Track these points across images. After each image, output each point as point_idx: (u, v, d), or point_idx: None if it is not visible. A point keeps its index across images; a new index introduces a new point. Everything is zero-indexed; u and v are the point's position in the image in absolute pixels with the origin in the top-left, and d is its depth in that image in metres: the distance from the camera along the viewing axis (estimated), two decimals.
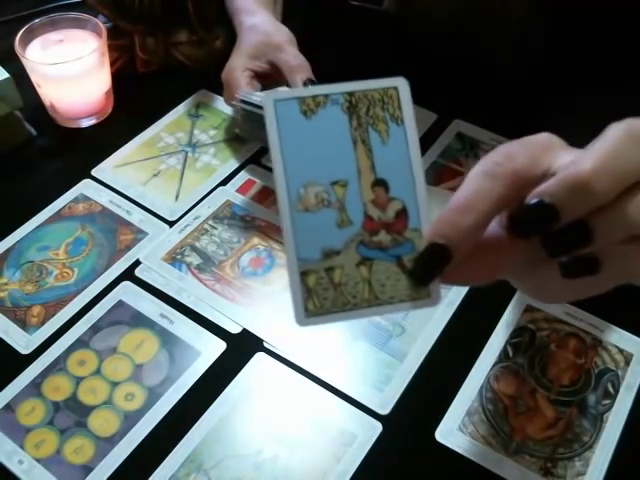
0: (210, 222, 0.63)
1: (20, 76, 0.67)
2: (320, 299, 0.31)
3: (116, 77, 0.73)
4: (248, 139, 0.69)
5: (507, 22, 0.71)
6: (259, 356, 0.54)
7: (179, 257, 0.60)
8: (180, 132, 0.72)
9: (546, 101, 0.72)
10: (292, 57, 0.64)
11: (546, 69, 0.72)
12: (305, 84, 0.62)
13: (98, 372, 0.53)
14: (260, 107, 0.61)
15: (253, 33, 0.67)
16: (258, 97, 0.62)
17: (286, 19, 0.73)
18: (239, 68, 0.65)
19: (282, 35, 0.66)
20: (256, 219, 0.63)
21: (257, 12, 0.69)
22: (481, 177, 0.31)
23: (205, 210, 0.64)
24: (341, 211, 0.31)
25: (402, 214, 0.32)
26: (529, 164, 0.31)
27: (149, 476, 0.48)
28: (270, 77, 0.65)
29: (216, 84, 0.68)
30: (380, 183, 0.32)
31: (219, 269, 0.59)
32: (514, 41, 0.72)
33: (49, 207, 0.64)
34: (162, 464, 0.48)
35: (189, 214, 0.64)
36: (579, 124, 0.52)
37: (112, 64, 0.72)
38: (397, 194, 0.32)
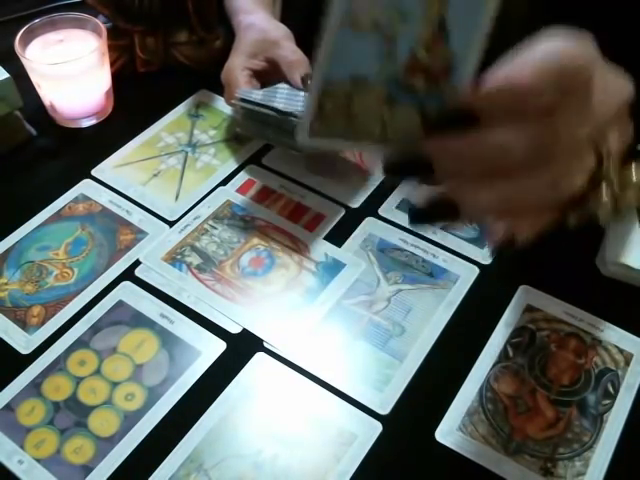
0: (210, 222, 0.63)
1: (20, 76, 0.67)
2: (329, 124, 0.30)
3: (116, 77, 0.73)
4: (249, 137, 0.69)
5: (506, 23, 0.71)
6: (259, 356, 0.54)
7: (179, 257, 0.60)
8: (180, 132, 0.72)
9: None
10: (290, 53, 0.64)
11: None
12: (303, 80, 0.62)
13: (98, 372, 0.53)
14: (259, 105, 0.61)
15: (250, 31, 0.67)
16: (257, 95, 0.62)
17: (286, 19, 0.73)
18: (238, 67, 0.65)
19: (279, 31, 0.66)
20: (256, 219, 0.63)
21: (255, 11, 0.69)
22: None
23: (205, 210, 0.64)
24: (390, 42, 0.29)
25: (448, 66, 0.30)
26: None
27: (149, 476, 0.48)
28: (269, 75, 0.65)
29: (216, 84, 0.68)
30: (442, 28, 0.30)
31: (219, 269, 0.59)
32: (512, 42, 0.72)
33: (49, 207, 0.64)
34: (162, 464, 0.48)
35: (189, 214, 0.64)
36: None
37: (112, 64, 0.72)
38: (453, 46, 0.30)
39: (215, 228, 0.62)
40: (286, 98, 0.62)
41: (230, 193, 0.65)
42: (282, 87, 0.63)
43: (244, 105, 0.62)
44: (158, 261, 0.60)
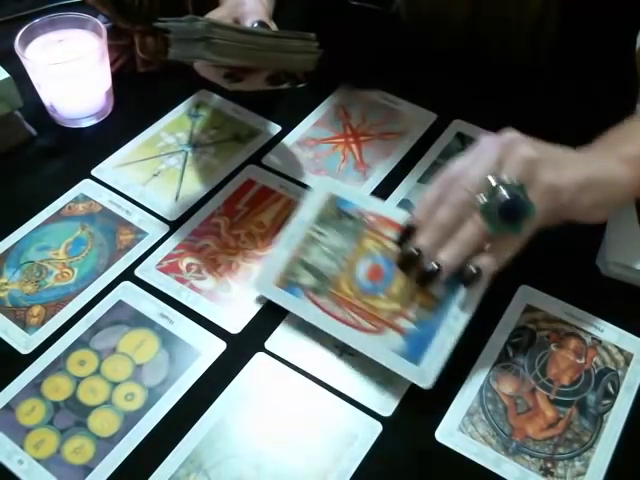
0: (317, 227, 0.55)
1: (20, 76, 0.67)
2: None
3: (116, 77, 0.73)
4: (179, 60, 0.63)
5: (521, 20, 0.71)
6: (259, 356, 0.54)
7: (292, 279, 0.54)
8: (180, 132, 0.72)
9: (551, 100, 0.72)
10: (247, 7, 0.62)
11: (558, 67, 0.72)
12: (253, 25, 0.60)
13: (98, 372, 0.53)
14: (179, 21, 0.58)
15: (226, 2, 0.65)
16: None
17: (286, 19, 0.73)
18: None
19: None
20: (365, 214, 0.56)
21: None
22: None
23: (309, 212, 0.56)
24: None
25: None
26: None
27: (149, 476, 0.48)
28: None
29: (216, 84, 0.68)
30: None
31: (335, 288, 0.54)
32: (527, 40, 0.72)
33: (49, 207, 0.64)
34: (162, 464, 0.48)
35: (293, 222, 0.58)
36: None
37: (112, 64, 0.72)
38: None
39: (323, 235, 0.55)
40: None
41: (331, 183, 0.58)
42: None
43: (165, 24, 0.59)
44: (271, 287, 0.55)
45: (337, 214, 0.57)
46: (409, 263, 0.52)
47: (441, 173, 0.52)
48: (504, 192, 0.48)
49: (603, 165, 0.53)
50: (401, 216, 0.54)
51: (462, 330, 0.51)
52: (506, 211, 0.48)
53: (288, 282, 0.55)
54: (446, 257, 0.50)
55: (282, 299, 0.55)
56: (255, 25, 0.60)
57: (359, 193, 0.60)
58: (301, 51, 0.59)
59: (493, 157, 0.50)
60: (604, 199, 0.53)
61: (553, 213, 0.50)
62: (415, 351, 0.51)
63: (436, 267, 0.50)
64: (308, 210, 0.57)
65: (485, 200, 0.49)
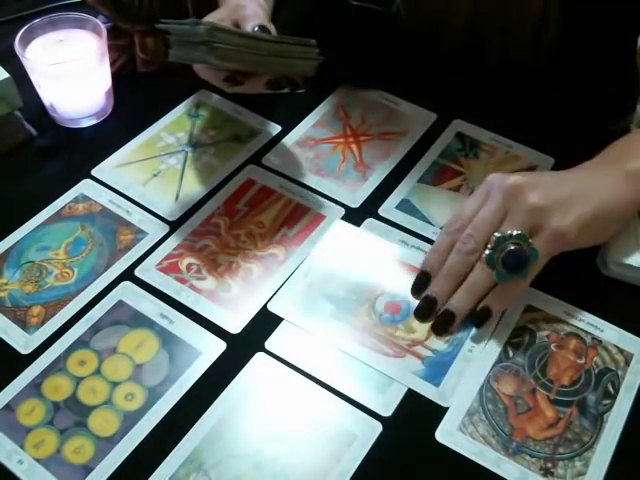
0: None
1: (20, 76, 0.67)
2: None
3: (116, 77, 0.73)
4: (179, 61, 0.62)
5: (523, 19, 0.71)
6: (259, 356, 0.54)
7: (311, 304, 0.57)
8: (180, 132, 0.72)
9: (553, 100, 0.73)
10: (248, 10, 0.62)
11: (560, 65, 0.72)
12: (254, 30, 0.60)
13: (98, 372, 0.53)
14: (181, 24, 0.58)
15: (225, 3, 0.66)
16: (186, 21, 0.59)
17: (286, 19, 0.73)
18: None
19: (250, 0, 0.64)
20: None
21: None
22: None
23: (328, 251, 0.60)
24: None
25: None
26: None
27: (149, 476, 0.48)
28: None
29: None
30: None
31: (354, 316, 0.56)
32: (528, 39, 0.72)
33: (49, 207, 0.64)
34: (162, 464, 0.48)
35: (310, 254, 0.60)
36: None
37: (112, 64, 0.72)
38: None
39: (342, 269, 0.59)
40: None
41: (350, 228, 0.62)
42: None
43: (166, 26, 0.59)
44: (289, 309, 0.56)
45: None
46: (426, 310, 0.55)
47: (450, 219, 0.57)
48: (508, 244, 0.52)
49: (608, 190, 0.54)
50: (413, 258, 0.59)
51: (476, 361, 0.54)
52: (510, 262, 0.52)
53: (306, 307, 0.57)
54: (457, 303, 0.54)
55: (300, 321, 0.56)
56: (256, 29, 0.60)
57: (374, 238, 0.62)
58: (302, 57, 0.60)
59: (499, 203, 0.54)
60: (610, 226, 0.56)
61: (558, 252, 0.54)
62: (435, 375, 0.53)
63: (450, 312, 0.54)
64: (328, 249, 0.61)
65: (489, 252, 0.53)
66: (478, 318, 0.54)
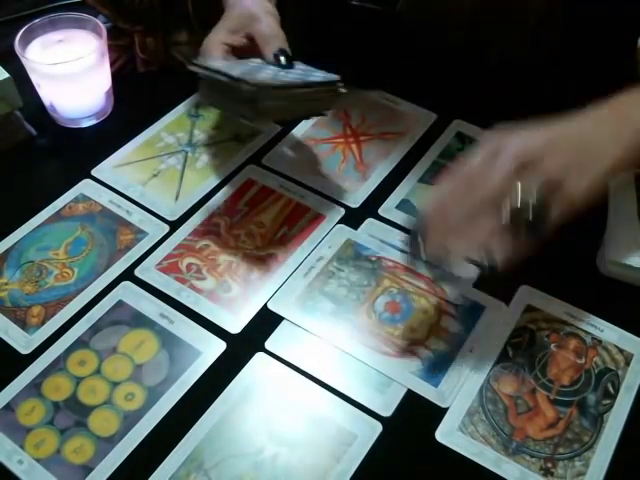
0: (335, 264, 0.60)
1: (20, 76, 0.67)
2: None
3: (116, 77, 0.73)
4: (209, 106, 0.66)
5: (525, 18, 0.71)
6: (259, 356, 0.54)
7: (311, 303, 0.57)
8: (180, 132, 0.72)
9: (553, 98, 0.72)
10: (265, 26, 0.62)
11: (560, 65, 0.72)
12: (276, 55, 0.60)
13: (98, 372, 0.53)
14: (219, 72, 0.58)
15: (235, 8, 0.65)
16: (218, 64, 0.59)
17: (286, 18, 0.73)
18: (216, 42, 0.63)
19: (261, 7, 0.64)
20: (382, 259, 0.60)
21: None
22: None
23: (327, 251, 0.61)
24: None
25: None
26: None
27: (149, 476, 0.48)
28: (251, 51, 0.63)
29: None
30: None
31: (354, 315, 0.56)
32: (529, 37, 0.72)
33: (49, 207, 0.64)
34: (162, 464, 0.48)
35: (311, 255, 0.61)
36: None
37: (112, 64, 0.72)
38: None
39: (341, 270, 0.59)
40: (248, 68, 0.58)
41: (350, 232, 0.63)
42: (253, 61, 0.61)
43: (198, 70, 0.59)
44: (289, 307, 0.57)
45: (355, 256, 0.61)
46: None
47: (453, 172, 0.49)
48: (529, 209, 0.47)
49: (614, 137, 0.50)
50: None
51: (476, 361, 0.53)
52: (532, 226, 0.47)
53: (306, 306, 0.57)
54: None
55: (299, 319, 0.56)
56: (276, 52, 0.60)
57: (377, 242, 0.62)
58: (328, 94, 0.60)
59: (511, 166, 0.48)
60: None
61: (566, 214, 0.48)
62: (433, 375, 0.53)
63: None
64: (327, 249, 0.61)
65: (510, 209, 0.47)
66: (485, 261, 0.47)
